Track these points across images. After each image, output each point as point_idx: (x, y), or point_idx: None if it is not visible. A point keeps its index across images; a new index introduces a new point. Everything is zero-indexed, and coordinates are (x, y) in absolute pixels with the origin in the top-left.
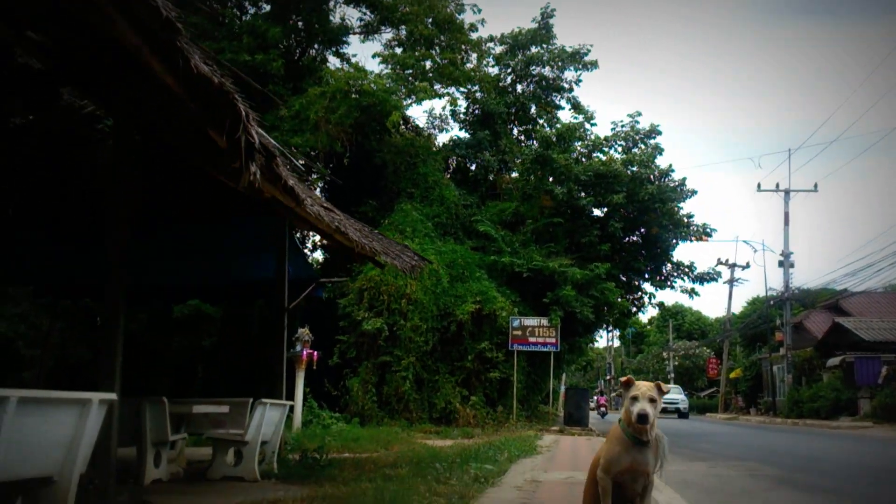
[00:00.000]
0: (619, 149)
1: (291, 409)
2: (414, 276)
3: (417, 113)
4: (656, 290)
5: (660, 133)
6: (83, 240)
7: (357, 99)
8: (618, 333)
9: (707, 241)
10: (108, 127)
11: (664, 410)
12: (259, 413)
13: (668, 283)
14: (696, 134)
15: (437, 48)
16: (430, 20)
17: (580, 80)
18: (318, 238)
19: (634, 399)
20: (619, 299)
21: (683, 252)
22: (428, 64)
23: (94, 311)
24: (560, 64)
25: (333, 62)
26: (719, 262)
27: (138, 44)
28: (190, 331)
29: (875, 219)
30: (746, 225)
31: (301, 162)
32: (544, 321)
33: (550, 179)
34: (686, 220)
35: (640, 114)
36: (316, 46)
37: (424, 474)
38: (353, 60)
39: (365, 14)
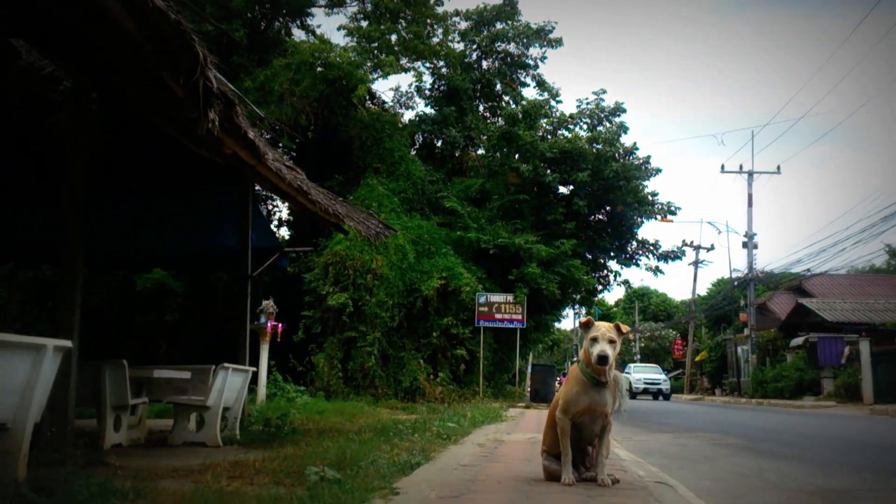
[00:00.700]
0: (585, 126)
1: (255, 379)
2: (378, 242)
3: (384, 88)
4: (622, 267)
5: (624, 111)
6: (42, 203)
7: (322, 72)
8: (584, 311)
9: (671, 221)
10: (67, 89)
11: (645, 391)
12: (221, 378)
13: (634, 260)
14: (660, 113)
15: (402, 22)
16: None
17: (545, 58)
18: (284, 214)
19: (594, 340)
20: (585, 276)
21: (649, 231)
22: (394, 37)
23: (54, 283)
24: (525, 41)
25: (298, 35)
26: (684, 244)
27: None
28: (153, 306)
29: (836, 201)
30: (711, 206)
31: (267, 136)
32: (510, 298)
33: (517, 156)
34: (650, 197)
35: (604, 91)
36: (280, 18)
37: (388, 436)
38: (319, 33)
39: None
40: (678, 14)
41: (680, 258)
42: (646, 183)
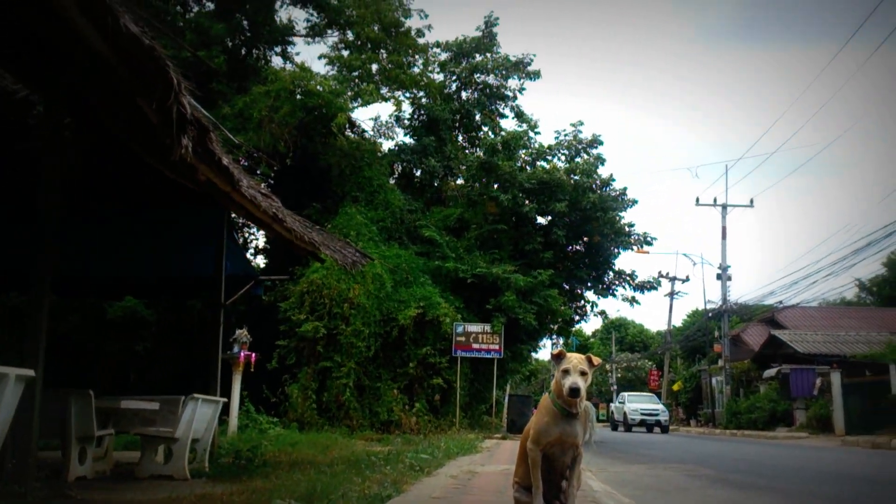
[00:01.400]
0: (563, 157)
1: (226, 411)
2: (356, 271)
3: (364, 117)
4: (598, 298)
5: (601, 143)
6: (10, 228)
7: (302, 99)
8: (562, 342)
9: (647, 252)
10: (41, 113)
11: (641, 423)
12: (190, 409)
13: (610, 291)
14: (636, 145)
15: (383, 52)
16: (377, 25)
17: (524, 89)
18: (260, 242)
19: (566, 372)
20: (563, 307)
21: (625, 262)
22: (374, 67)
23: (21, 310)
24: (504, 73)
25: (278, 63)
26: (660, 275)
27: (66, 3)
28: (123, 334)
29: (809, 234)
30: (687, 237)
31: (245, 163)
32: (487, 327)
33: (495, 186)
34: (627, 228)
35: (582, 123)
36: (260, 46)
37: (360, 469)
38: (299, 61)
39: (312, 15)
40: (655, 48)
41: (656, 289)
42: (622, 214)
